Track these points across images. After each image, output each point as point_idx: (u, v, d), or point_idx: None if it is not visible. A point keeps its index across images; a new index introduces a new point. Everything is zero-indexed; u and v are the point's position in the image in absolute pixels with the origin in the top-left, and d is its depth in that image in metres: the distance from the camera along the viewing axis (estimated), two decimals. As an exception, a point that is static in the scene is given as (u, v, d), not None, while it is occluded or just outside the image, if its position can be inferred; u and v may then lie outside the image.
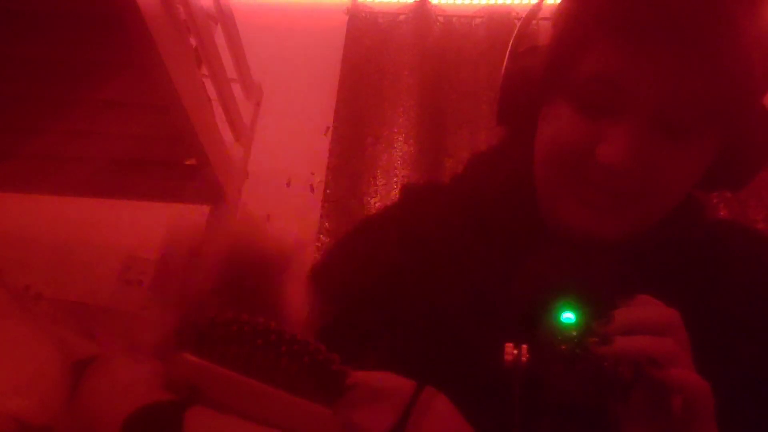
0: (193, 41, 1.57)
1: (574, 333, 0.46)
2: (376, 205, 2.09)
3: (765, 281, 0.56)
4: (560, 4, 0.57)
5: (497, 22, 2.29)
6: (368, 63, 2.32)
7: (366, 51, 2.34)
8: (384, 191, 2.10)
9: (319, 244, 2.02)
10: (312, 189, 2.17)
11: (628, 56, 0.48)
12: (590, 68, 0.50)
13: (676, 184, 0.53)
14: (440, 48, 2.32)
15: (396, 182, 2.07)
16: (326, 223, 2.05)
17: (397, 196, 0.74)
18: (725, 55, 0.46)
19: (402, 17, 2.39)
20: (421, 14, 2.34)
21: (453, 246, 0.60)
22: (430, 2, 2.39)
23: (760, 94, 0.52)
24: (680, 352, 0.45)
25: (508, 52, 0.60)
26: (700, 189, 0.59)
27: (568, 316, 0.47)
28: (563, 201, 0.55)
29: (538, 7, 0.62)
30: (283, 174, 2.19)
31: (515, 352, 0.47)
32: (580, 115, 0.51)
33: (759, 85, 0.50)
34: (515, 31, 0.62)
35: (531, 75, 0.56)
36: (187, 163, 1.73)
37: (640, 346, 0.44)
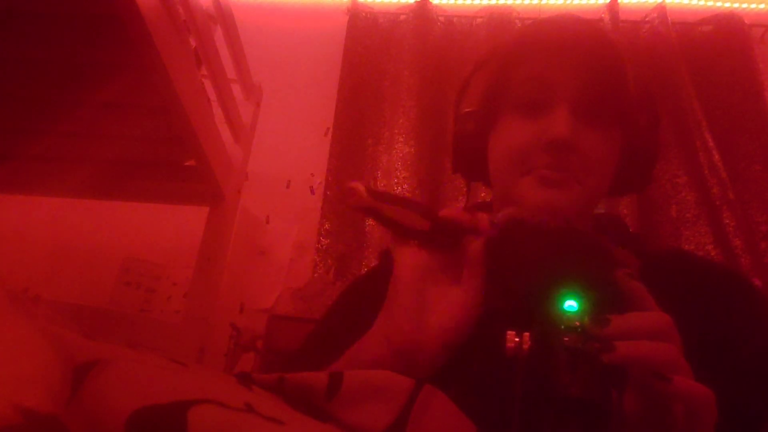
0: (193, 41, 1.57)
1: (578, 323, 0.45)
2: (377, 206, 2.08)
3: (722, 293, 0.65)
4: (489, 52, 0.77)
5: (498, 22, 2.28)
6: (368, 63, 2.32)
7: (366, 51, 2.34)
8: (384, 192, 2.09)
9: (319, 246, 2.02)
10: (312, 190, 2.17)
11: (550, 62, 0.67)
12: (525, 74, 0.68)
13: (600, 164, 0.67)
14: (441, 48, 2.32)
15: (396, 183, 2.06)
16: (326, 225, 2.05)
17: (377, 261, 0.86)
18: (601, 59, 0.67)
19: (402, 17, 2.39)
20: (422, 14, 2.34)
21: None
22: (430, 2, 2.39)
23: (637, 96, 0.68)
24: (680, 357, 0.45)
25: (454, 116, 0.77)
26: (615, 195, 0.76)
27: (571, 305, 0.46)
28: (523, 190, 0.67)
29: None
30: (282, 175, 2.18)
31: (517, 340, 0.47)
32: (523, 119, 0.67)
33: (629, 84, 0.67)
34: (456, 97, 0.78)
35: (474, 126, 0.73)
36: (187, 164, 1.73)
37: (643, 353, 0.44)
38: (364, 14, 2.41)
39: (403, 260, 0.56)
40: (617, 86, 0.66)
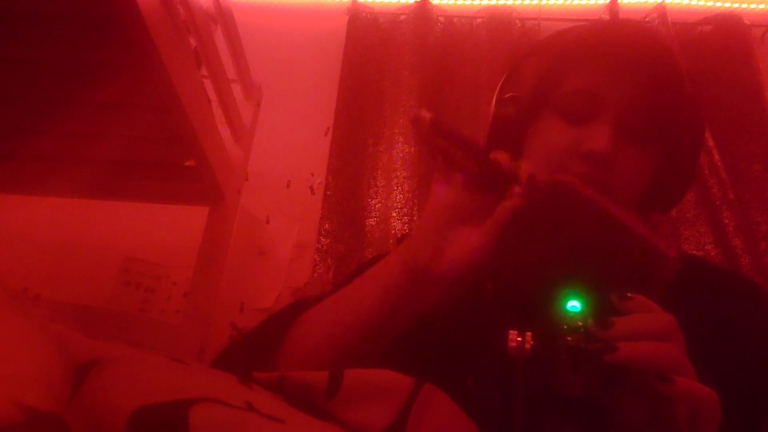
0: (193, 41, 1.57)
1: (580, 323, 0.45)
2: (377, 206, 2.09)
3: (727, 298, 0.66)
4: (545, 41, 0.76)
5: (498, 22, 2.28)
6: (369, 63, 2.32)
7: (366, 51, 2.34)
8: (384, 192, 2.10)
9: (320, 246, 2.02)
10: (312, 190, 2.17)
11: (605, 77, 0.66)
12: (573, 85, 0.68)
13: (633, 181, 0.67)
14: (441, 48, 2.32)
15: (396, 183, 2.06)
16: (326, 225, 2.05)
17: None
18: (660, 76, 0.65)
19: (403, 17, 2.39)
20: (422, 14, 2.34)
21: None
22: (430, 2, 2.39)
23: (687, 116, 0.68)
24: (683, 358, 0.45)
25: (495, 98, 0.77)
26: (638, 209, 0.74)
27: (573, 305, 0.46)
28: None
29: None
30: (283, 175, 2.18)
31: (519, 339, 0.47)
32: (565, 123, 0.67)
33: (684, 103, 0.67)
34: (502, 80, 0.78)
35: (515, 112, 0.73)
36: (187, 164, 1.73)
37: (646, 354, 0.44)
38: (364, 14, 2.41)
39: (440, 193, 0.59)
40: (667, 110, 0.66)
